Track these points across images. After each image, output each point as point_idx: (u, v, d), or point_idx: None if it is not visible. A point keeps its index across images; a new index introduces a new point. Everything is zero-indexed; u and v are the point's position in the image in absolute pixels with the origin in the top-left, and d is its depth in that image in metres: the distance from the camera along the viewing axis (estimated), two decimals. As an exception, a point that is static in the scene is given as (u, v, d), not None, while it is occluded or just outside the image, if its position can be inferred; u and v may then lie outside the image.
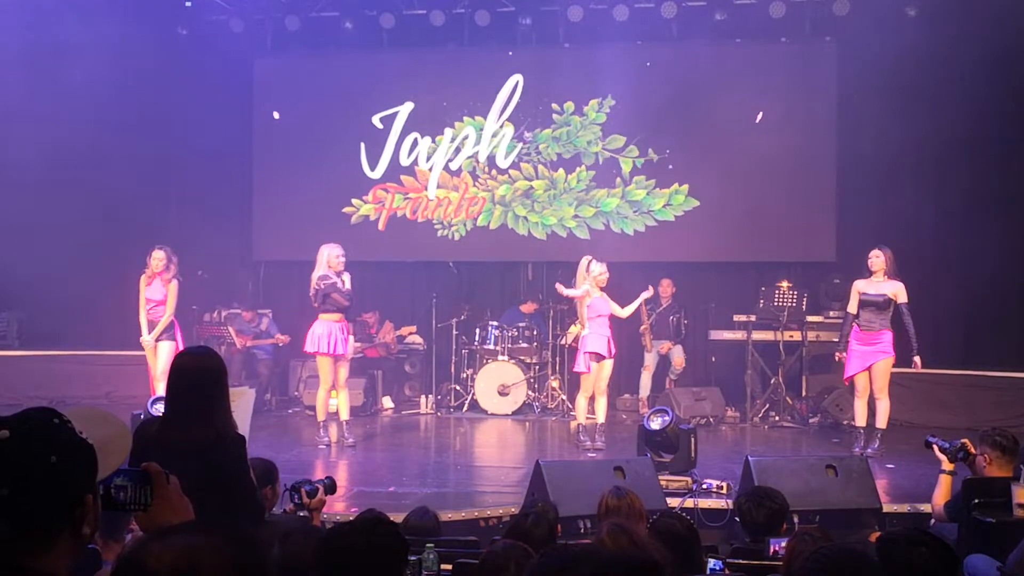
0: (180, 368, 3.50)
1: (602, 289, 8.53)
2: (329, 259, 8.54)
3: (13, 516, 1.48)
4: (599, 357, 8.37)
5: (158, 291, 8.71)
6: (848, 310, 8.34)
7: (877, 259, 8.16)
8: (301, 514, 4.27)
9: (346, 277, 8.59)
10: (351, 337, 8.76)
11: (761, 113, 10.86)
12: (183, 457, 3.18)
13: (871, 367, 8.14)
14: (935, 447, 5.21)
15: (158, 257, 8.70)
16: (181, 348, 8.74)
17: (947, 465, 5.15)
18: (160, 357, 8.63)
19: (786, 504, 4.40)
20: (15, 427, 1.53)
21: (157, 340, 8.65)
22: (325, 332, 8.47)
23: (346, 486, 6.99)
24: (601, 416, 8.63)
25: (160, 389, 8.41)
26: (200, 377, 3.44)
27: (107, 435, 1.73)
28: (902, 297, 8.09)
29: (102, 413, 1.92)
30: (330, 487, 4.41)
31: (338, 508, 6.05)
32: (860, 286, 8.21)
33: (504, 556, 3.04)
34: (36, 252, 10.49)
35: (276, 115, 11.78)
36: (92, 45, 9.93)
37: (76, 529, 1.55)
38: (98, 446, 1.60)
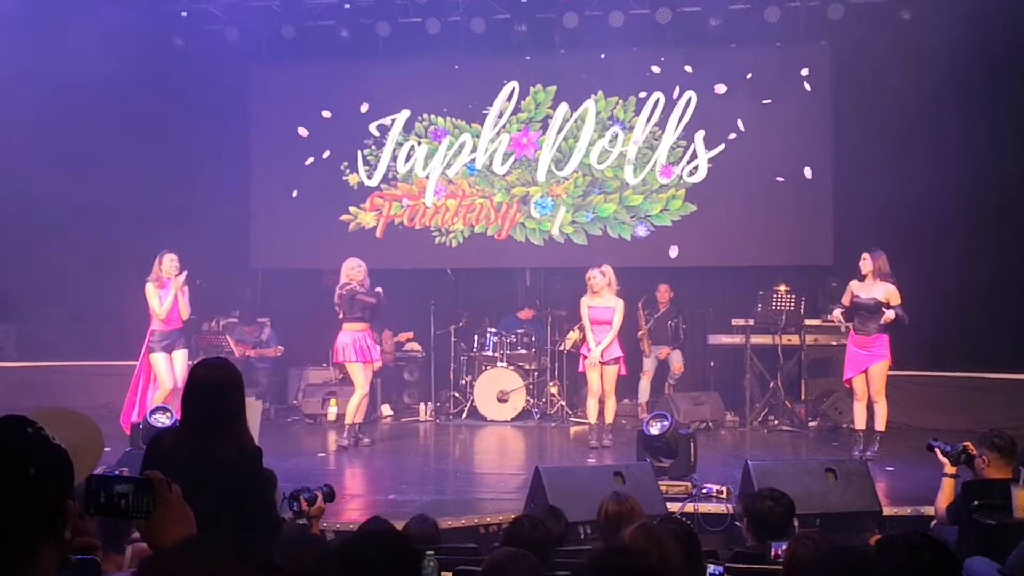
0: (197, 380, 3.45)
1: (596, 294, 8.68)
2: (346, 271, 8.72)
3: None
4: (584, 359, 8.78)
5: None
6: (842, 301, 8.38)
7: (864, 262, 8.21)
8: (300, 522, 4.26)
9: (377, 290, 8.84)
10: (376, 346, 8.84)
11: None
12: (202, 470, 3.16)
13: (867, 370, 8.16)
14: (937, 450, 5.21)
15: (172, 259, 8.73)
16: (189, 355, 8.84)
17: (949, 468, 5.14)
18: (178, 365, 8.63)
19: (793, 504, 4.40)
20: None
21: (174, 349, 8.68)
22: (349, 341, 8.65)
23: (346, 493, 6.98)
24: (609, 417, 8.87)
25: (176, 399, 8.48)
26: (218, 389, 3.40)
27: (79, 437, 1.71)
28: (895, 300, 8.08)
29: (73, 415, 1.90)
30: (329, 495, 4.40)
31: (339, 516, 6.04)
32: (854, 287, 8.26)
33: (511, 565, 3.03)
34: (34, 263, 10.48)
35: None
36: (86, 57, 9.92)
37: (58, 536, 1.54)
38: (70, 449, 1.59)
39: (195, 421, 3.42)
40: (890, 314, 7.95)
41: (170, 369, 8.61)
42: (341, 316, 8.70)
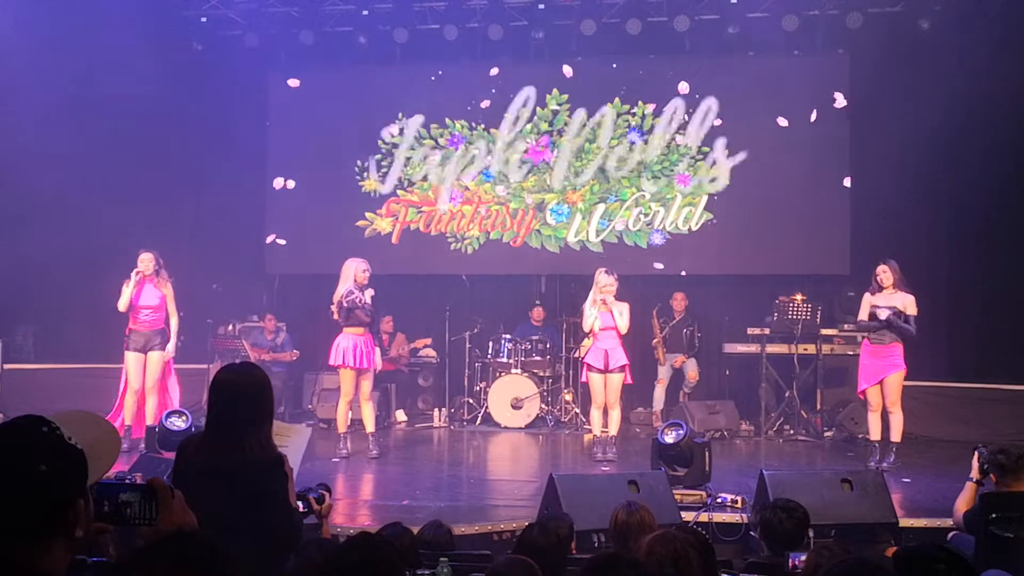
0: (221, 385, 3.40)
1: (614, 300, 8.52)
2: (356, 273, 8.54)
3: (4, 523, 1.51)
4: (591, 368, 8.54)
5: (153, 296, 8.56)
6: (860, 318, 8.38)
7: (885, 274, 8.19)
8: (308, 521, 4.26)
9: (367, 292, 8.58)
10: (377, 350, 8.74)
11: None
12: (221, 476, 3.16)
13: (883, 381, 8.13)
14: (976, 455, 5.11)
15: (147, 259, 8.48)
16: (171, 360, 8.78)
17: (976, 474, 5.08)
18: (151, 368, 8.51)
19: (807, 515, 4.37)
20: (2, 437, 1.55)
21: (149, 350, 8.56)
22: (350, 345, 8.49)
23: (360, 499, 6.99)
24: (614, 429, 8.67)
25: (150, 403, 8.49)
26: (241, 394, 3.36)
27: (96, 439, 1.75)
28: (911, 309, 8.10)
29: (92, 417, 1.94)
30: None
31: (354, 521, 6.05)
32: (871, 299, 8.23)
33: (509, 574, 3.02)
34: (52, 266, 10.54)
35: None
36: (107, 61, 9.98)
37: (69, 533, 1.57)
38: (88, 450, 1.62)
39: (217, 427, 3.38)
40: (884, 312, 7.98)
41: (140, 370, 8.52)
42: (341, 321, 8.63)
